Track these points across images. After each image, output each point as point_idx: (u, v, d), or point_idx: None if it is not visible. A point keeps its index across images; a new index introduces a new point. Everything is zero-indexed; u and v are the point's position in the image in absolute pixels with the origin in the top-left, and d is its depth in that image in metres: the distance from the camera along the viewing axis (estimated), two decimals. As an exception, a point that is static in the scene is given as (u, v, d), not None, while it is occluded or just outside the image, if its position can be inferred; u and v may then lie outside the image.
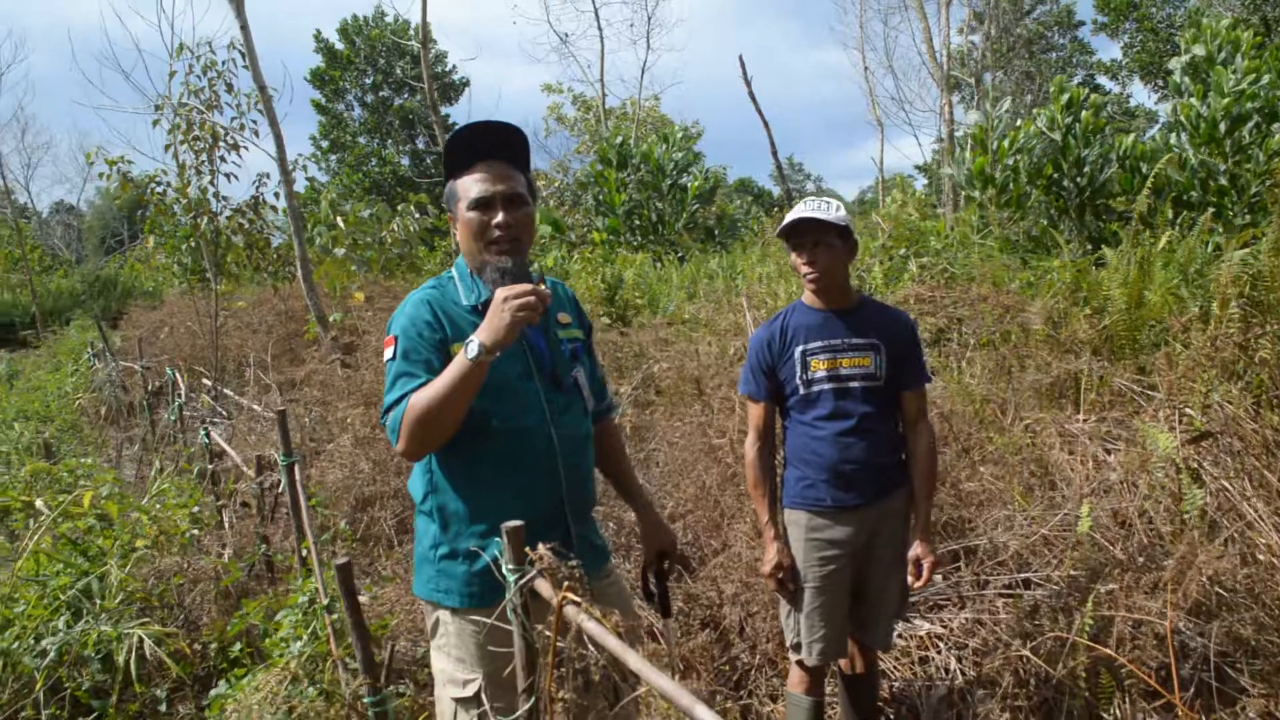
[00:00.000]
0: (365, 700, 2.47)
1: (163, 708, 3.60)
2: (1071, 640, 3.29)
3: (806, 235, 3.13)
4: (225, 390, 10.19)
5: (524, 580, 1.72)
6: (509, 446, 2.43)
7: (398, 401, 2.32)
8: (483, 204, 2.43)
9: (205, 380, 10.91)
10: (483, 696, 2.38)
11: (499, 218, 2.42)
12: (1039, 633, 3.52)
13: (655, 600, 2.91)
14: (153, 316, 18.84)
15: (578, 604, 1.60)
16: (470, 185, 2.45)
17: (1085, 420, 4.66)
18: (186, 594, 4.10)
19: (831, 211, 3.10)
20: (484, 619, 2.37)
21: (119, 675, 3.52)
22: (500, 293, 2.19)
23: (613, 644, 1.50)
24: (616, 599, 2.70)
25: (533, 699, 1.77)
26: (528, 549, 1.72)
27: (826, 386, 3.17)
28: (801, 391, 3.20)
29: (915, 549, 3.20)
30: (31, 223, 40.23)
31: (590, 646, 1.65)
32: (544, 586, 1.70)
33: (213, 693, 3.12)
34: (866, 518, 3.20)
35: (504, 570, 1.76)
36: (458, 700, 2.44)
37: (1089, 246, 8.91)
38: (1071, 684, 3.28)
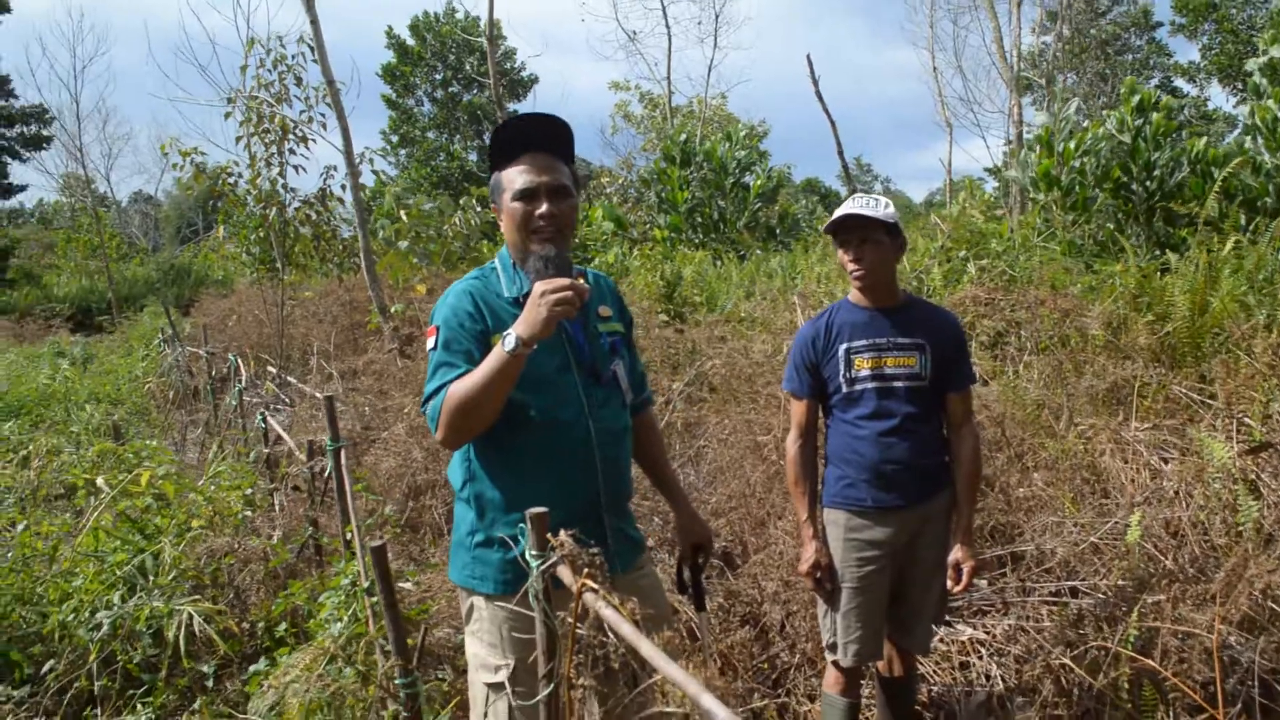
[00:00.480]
0: (397, 681, 2.51)
1: (210, 683, 3.69)
2: (1115, 650, 3.22)
3: (853, 232, 3.11)
4: (289, 378, 10.40)
5: (546, 566, 1.73)
6: (546, 438, 2.45)
7: (437, 391, 2.35)
8: (527, 195, 2.45)
9: (270, 368, 11.14)
10: (514, 681, 2.41)
11: (543, 208, 2.44)
12: (1082, 642, 3.46)
13: (690, 593, 2.92)
14: (223, 304, 19.26)
15: (595, 590, 1.61)
16: (515, 176, 2.48)
17: (1140, 428, 4.56)
18: (237, 574, 4.19)
19: (879, 209, 3.08)
20: (516, 606, 2.41)
21: (169, 650, 3.62)
22: (538, 286, 2.21)
23: (626, 631, 1.51)
24: (650, 591, 2.71)
25: (552, 685, 1.79)
26: (550, 536, 1.74)
27: (870, 385, 3.15)
28: (845, 390, 3.18)
29: (956, 553, 3.16)
30: (110, 211, 41.32)
31: (610, 634, 1.67)
32: (565, 573, 1.72)
33: (251, 669, 3.19)
34: (907, 519, 3.17)
35: (526, 556, 1.78)
36: (489, 685, 2.47)
37: (1156, 252, 8.71)
38: (1113, 695, 3.22)
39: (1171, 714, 3.18)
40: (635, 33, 45.50)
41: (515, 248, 2.54)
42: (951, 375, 3.20)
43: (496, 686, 2.46)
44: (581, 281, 2.26)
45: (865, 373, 3.15)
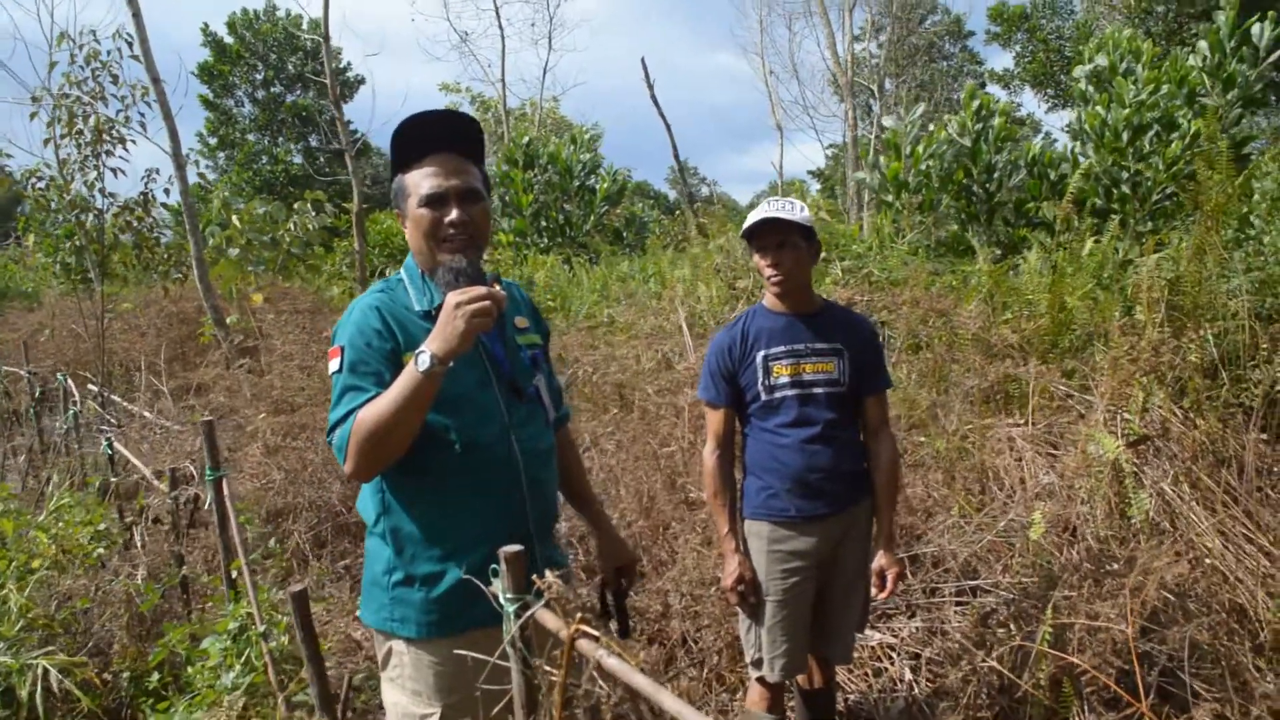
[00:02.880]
0: (323, 740, 2.27)
1: (72, 744, 3.31)
2: (1035, 649, 3.24)
3: (770, 236, 3.02)
4: (113, 397, 9.67)
5: (529, 613, 1.55)
6: (468, 462, 2.25)
7: (344, 418, 2.12)
8: (435, 200, 2.24)
9: (91, 386, 10.34)
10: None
11: (453, 214, 2.24)
12: (995, 641, 3.48)
13: (613, 619, 2.77)
14: (31, 318, 17.87)
15: (596, 638, 1.45)
16: (421, 180, 2.27)
17: (1024, 425, 4.67)
18: (95, 619, 3.78)
19: (796, 212, 3.00)
20: (445, 649, 2.21)
21: (23, 710, 3.22)
22: (451, 297, 2.00)
23: (641, 682, 1.36)
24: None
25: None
26: (534, 577, 1.56)
27: (790, 393, 3.07)
28: (764, 398, 3.09)
29: (879, 559, 3.12)
30: (-107, 219, 37.91)
31: (601, 684, 1.50)
32: (549, 619, 1.54)
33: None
34: (831, 528, 3.11)
35: (502, 600, 1.59)
36: (416, 736, 2.26)
37: (998, 251, 9.06)
38: (1032, 693, 3.24)
39: (1088, 708, 3.23)
40: (468, 33, 44.75)
41: (422, 256, 2.32)
42: (868, 379, 3.17)
43: (424, 738, 2.26)
44: (498, 289, 2.07)
45: (784, 379, 3.07)
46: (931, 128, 10.43)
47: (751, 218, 3.06)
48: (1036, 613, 3.43)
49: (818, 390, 3.08)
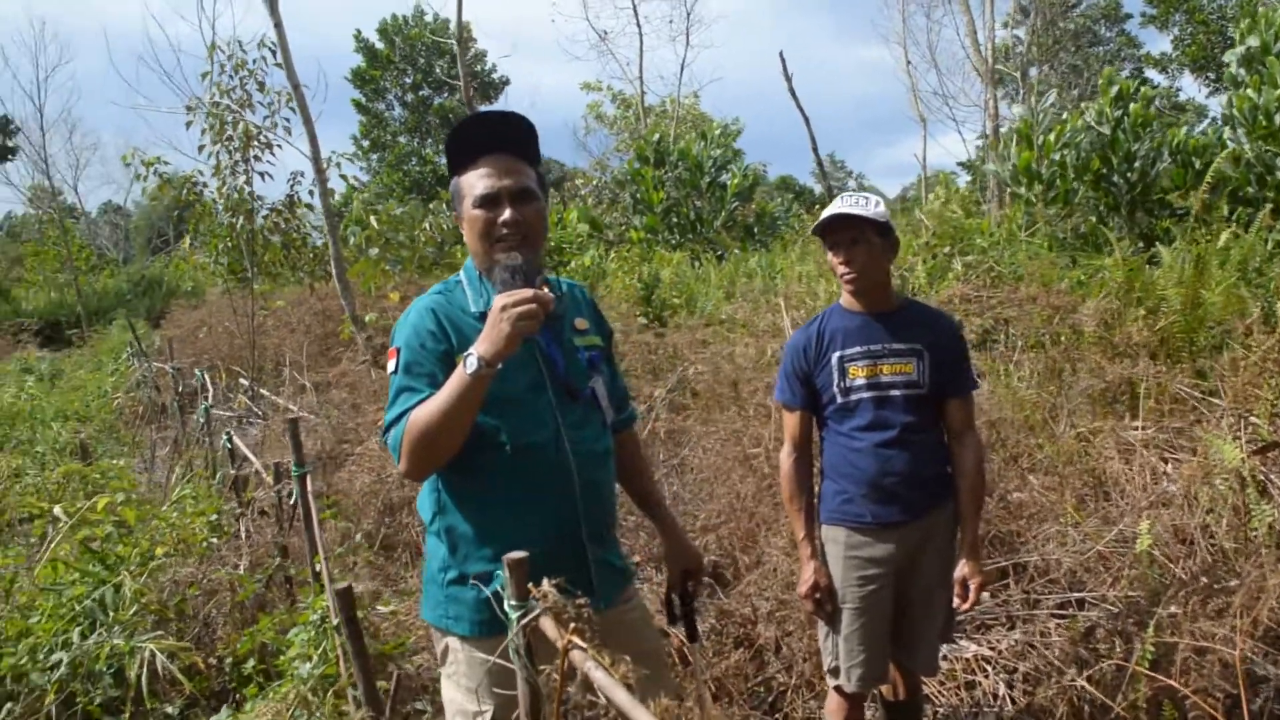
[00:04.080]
0: (367, 734, 2.33)
1: (175, 725, 3.49)
2: (1131, 668, 3.06)
3: (843, 233, 2.93)
4: (262, 390, 10.15)
5: (527, 620, 1.55)
6: (520, 464, 2.25)
7: (398, 418, 2.16)
8: (489, 201, 2.25)
9: (243, 380, 10.89)
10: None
11: (506, 214, 2.24)
12: (1095, 658, 3.30)
13: (680, 624, 2.74)
14: (193, 316, 18.93)
15: (583, 649, 1.43)
16: (475, 181, 2.28)
17: (1143, 428, 4.41)
18: (202, 606, 3.98)
19: (870, 207, 2.90)
20: (496, 648, 2.22)
21: (131, 690, 3.41)
22: (498, 300, 2.01)
23: (620, 698, 1.33)
24: (639, 624, 2.53)
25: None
26: (532, 584, 1.55)
27: (866, 395, 2.97)
28: (839, 400, 3.00)
29: (961, 568, 2.99)
30: (79, 223, 40.71)
31: (601, 695, 1.48)
32: (548, 626, 1.54)
33: (213, 720, 3.00)
34: (909, 534, 3.00)
35: (506, 607, 1.59)
36: (469, 733, 2.29)
37: (1140, 244, 8.60)
38: (1131, 716, 3.06)
39: (1192, 734, 3.03)
40: (606, 32, 45.10)
41: (479, 257, 2.34)
42: (951, 381, 3.03)
43: (476, 734, 2.28)
44: (546, 291, 2.07)
45: (860, 382, 2.98)
46: (1066, 116, 9.95)
47: (824, 213, 2.98)
48: (1139, 630, 3.24)
49: (895, 392, 2.98)
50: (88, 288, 28.23)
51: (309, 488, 3.23)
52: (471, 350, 2.01)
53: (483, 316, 2.25)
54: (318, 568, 3.31)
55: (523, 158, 2.34)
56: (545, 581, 1.54)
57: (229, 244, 13.10)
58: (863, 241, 2.91)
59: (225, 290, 16.77)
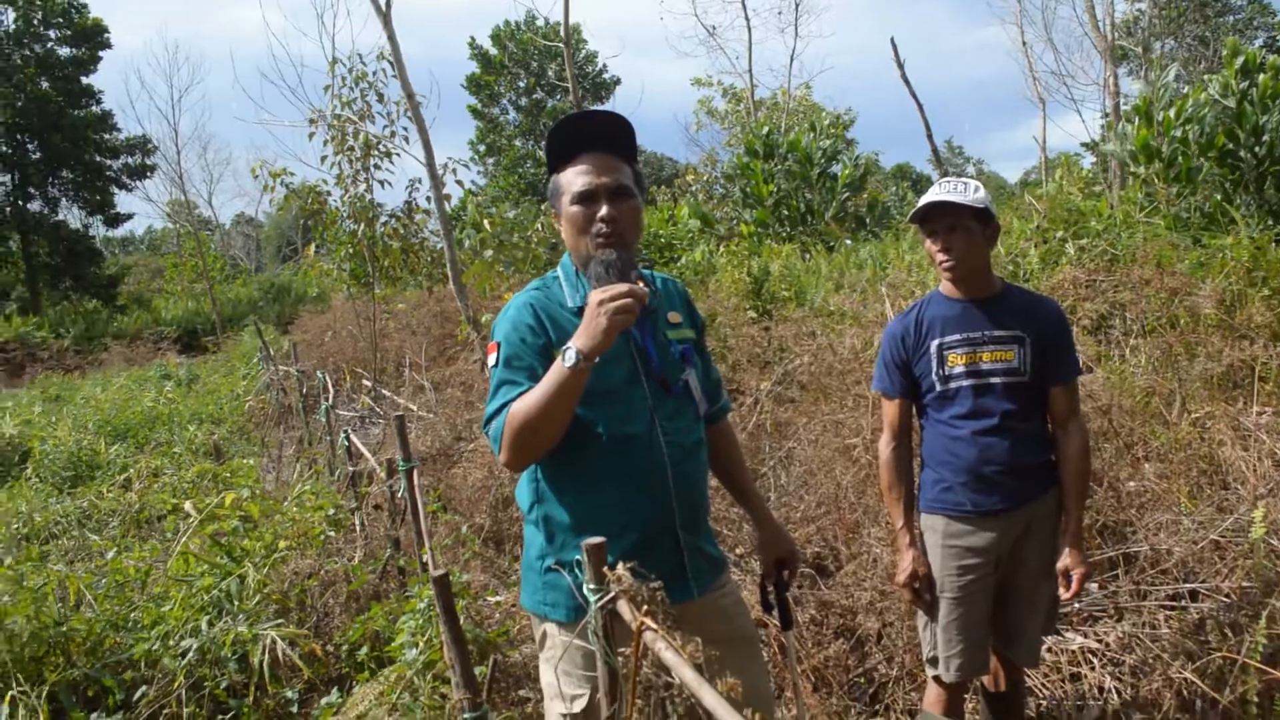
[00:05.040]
0: (466, 716, 2.41)
1: (294, 708, 3.66)
2: (1240, 661, 2.95)
3: (941, 220, 2.91)
4: (384, 390, 10.48)
5: (603, 601, 1.60)
6: (615, 454, 2.32)
7: (499, 410, 2.24)
8: (586, 197, 2.32)
9: (365, 381, 11.26)
10: (591, 712, 2.28)
11: (603, 211, 2.30)
12: (1205, 651, 3.19)
13: (775, 612, 2.75)
14: (320, 320, 19.62)
15: (655, 630, 1.47)
16: (573, 178, 2.34)
17: (1262, 414, 4.22)
18: (319, 596, 4.16)
19: (968, 193, 2.87)
20: (581, 640, 2.28)
21: (254, 675, 3.59)
22: (594, 295, 2.08)
23: (688, 677, 1.37)
24: (732, 610, 2.55)
25: (618, 726, 1.65)
26: (606, 569, 1.60)
27: (965, 383, 2.95)
28: (938, 388, 2.99)
29: (1065, 558, 2.94)
30: (214, 234, 42.60)
31: (673, 676, 1.52)
32: (625, 609, 1.58)
33: (324, 700, 3.13)
34: (1010, 524, 2.96)
35: (585, 590, 1.64)
36: (565, 716, 2.35)
37: (1269, 222, 8.17)
38: (1240, 711, 2.95)
39: (1310, 729, 2.91)
40: (714, 27, 45.00)
41: (576, 253, 2.40)
42: (1054, 367, 2.98)
43: (572, 717, 2.34)
44: (641, 285, 2.11)
45: (960, 369, 2.95)
46: (1188, 90, 9.50)
47: (922, 201, 2.95)
48: (1251, 622, 3.11)
49: (995, 380, 2.95)
50: (222, 296, 29.60)
51: (416, 482, 3.34)
52: (569, 344, 2.08)
53: (580, 311, 2.32)
54: (425, 558, 3.43)
55: (620, 155, 2.39)
56: (620, 565, 1.58)
57: (351, 250, 13.51)
58: (960, 228, 2.89)
59: (349, 295, 17.36)
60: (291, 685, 3.69)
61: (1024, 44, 27.39)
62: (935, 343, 2.99)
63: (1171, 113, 9.23)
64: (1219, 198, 8.78)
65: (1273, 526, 3.52)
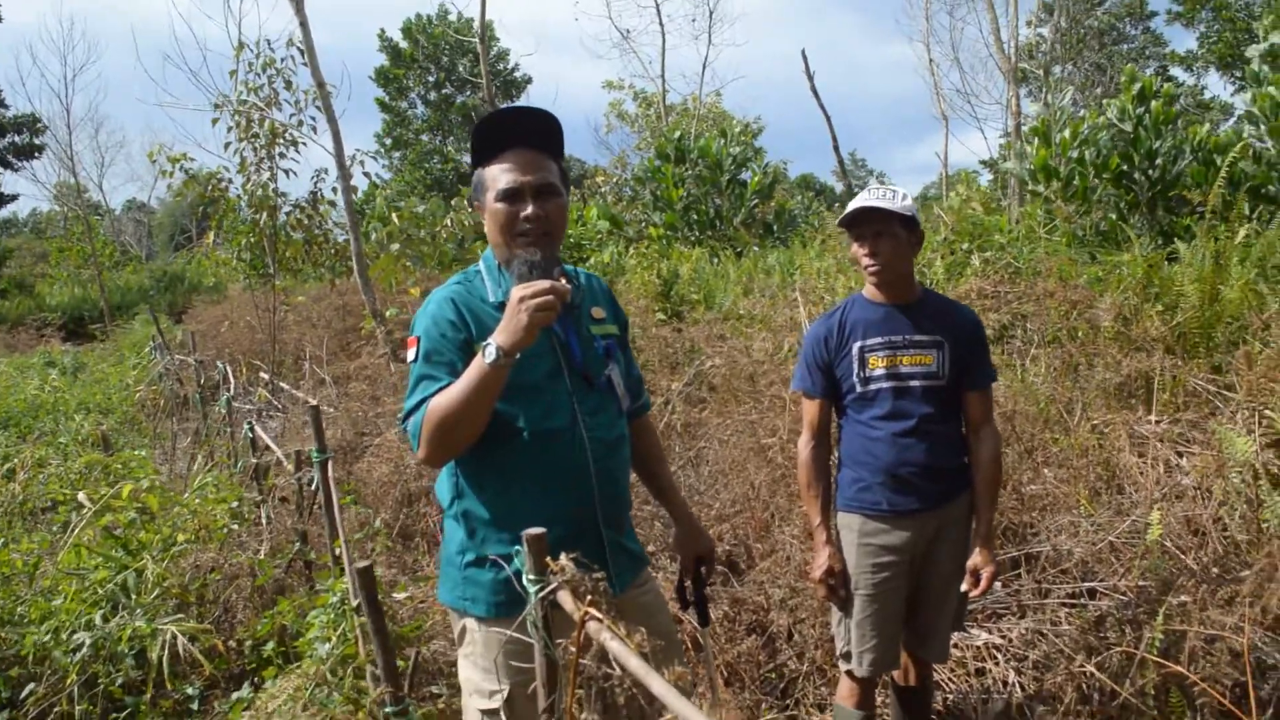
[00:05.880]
0: (388, 710, 2.36)
1: (195, 705, 3.54)
2: (1140, 655, 3.07)
3: (869, 225, 2.97)
4: (282, 384, 10.24)
5: (545, 592, 1.58)
6: (537, 450, 2.30)
7: (418, 406, 2.21)
8: (511, 195, 2.29)
9: (263, 374, 10.99)
10: (510, 708, 2.27)
11: (528, 209, 2.28)
12: (1104, 646, 3.32)
13: (693, 609, 2.77)
14: (215, 311, 19.12)
15: (600, 620, 1.46)
16: (498, 175, 2.32)
17: (1157, 422, 4.42)
18: (223, 590, 4.04)
19: (896, 200, 2.94)
20: (513, 631, 2.26)
21: (153, 672, 3.47)
22: (515, 292, 2.05)
23: (634, 665, 1.37)
24: (653, 608, 2.56)
25: (555, 718, 1.64)
26: (549, 559, 1.59)
27: (885, 385, 3.01)
28: (859, 390, 3.04)
29: (975, 557, 3.03)
30: (104, 219, 41.06)
31: (616, 666, 1.52)
32: (566, 600, 1.57)
33: (235, 695, 3.04)
34: (925, 523, 3.03)
35: (524, 581, 1.63)
36: (484, 712, 2.33)
37: (1160, 241, 8.55)
38: (1139, 702, 3.07)
39: (1200, 720, 3.05)
40: (629, 31, 45.28)
41: (499, 249, 2.38)
42: (970, 373, 3.07)
43: (491, 713, 2.32)
44: (563, 283, 2.10)
45: (880, 372, 3.02)
46: (1084, 113, 9.89)
47: (851, 206, 3.01)
48: (1149, 619, 3.25)
49: (914, 383, 3.01)
50: (111, 283, 28.52)
51: (330, 473, 3.27)
52: (490, 340, 2.06)
53: (501, 306, 2.29)
54: (338, 551, 3.36)
55: (546, 152, 2.38)
56: (563, 556, 1.57)
57: (252, 240, 13.17)
58: (888, 234, 2.95)
59: (248, 286, 16.94)
60: (192, 682, 3.57)
61: (930, 62, 28.18)
62: (857, 345, 3.05)
63: (1068, 134, 9.59)
64: (1114, 217, 9.15)
65: (1168, 529, 3.68)
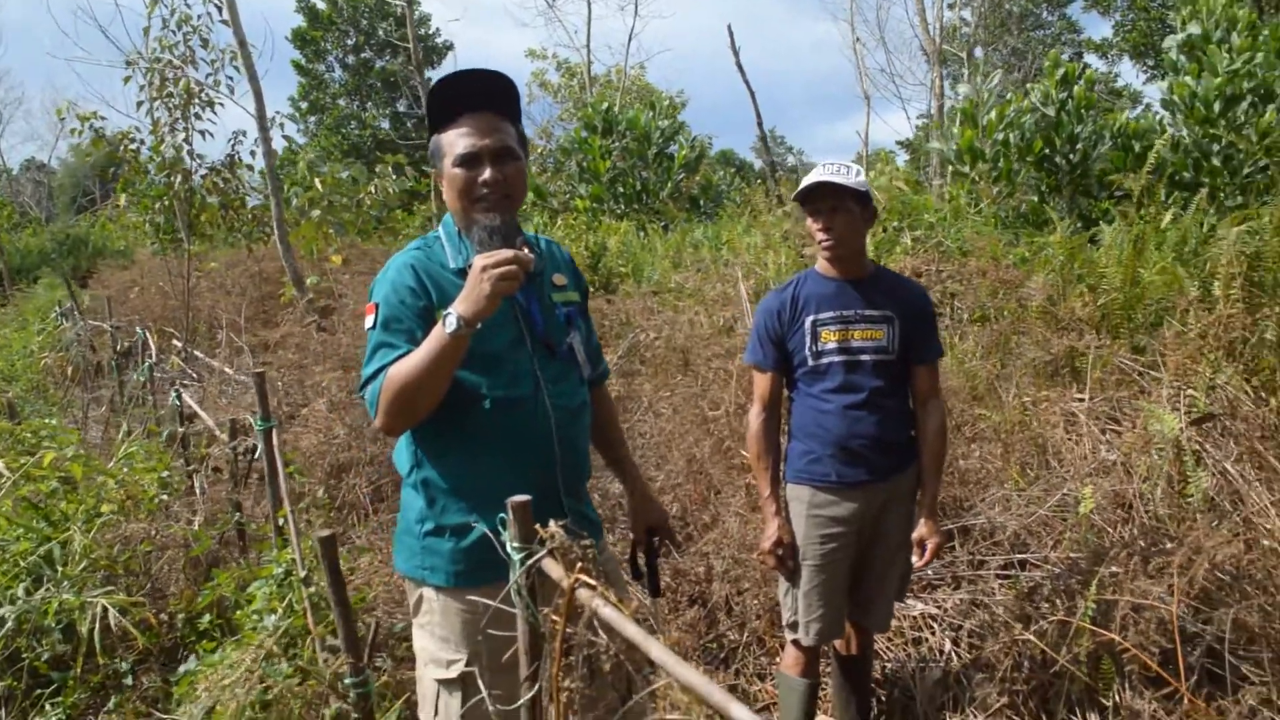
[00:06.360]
0: (347, 681, 2.32)
1: (128, 680, 3.44)
2: (1075, 625, 3.17)
3: (824, 200, 2.99)
4: (196, 352, 9.97)
5: (532, 560, 1.56)
6: (500, 418, 2.27)
7: (376, 374, 2.17)
8: (469, 160, 2.25)
9: (176, 342, 10.67)
10: (468, 678, 2.25)
11: (487, 174, 2.24)
12: (1038, 615, 3.42)
13: (644, 579, 2.77)
14: (123, 276, 18.49)
15: (593, 588, 1.45)
16: (456, 140, 2.27)
17: (1086, 400, 4.55)
18: (154, 562, 3.92)
19: (850, 176, 2.96)
20: (472, 598, 2.23)
21: (82, 645, 3.35)
22: (478, 260, 2.02)
23: (632, 631, 1.37)
24: (613, 575, 2.57)
25: (536, 687, 1.62)
26: (537, 526, 1.57)
27: (836, 359, 3.05)
28: (810, 363, 3.07)
29: (920, 528, 3.10)
30: (1, 180, 39.39)
31: (601, 634, 1.51)
32: (553, 567, 1.55)
33: (182, 669, 2.95)
34: (873, 495, 3.08)
35: (509, 549, 1.60)
36: (441, 681, 2.31)
37: (1079, 224, 8.79)
38: (1072, 669, 3.17)
39: (1129, 686, 3.16)
40: (555, -1, 44.69)
41: (458, 215, 2.34)
42: (919, 348, 3.13)
43: (449, 683, 2.30)
44: (526, 251, 2.07)
45: (832, 345, 3.05)
46: (1010, 96, 10.11)
47: (806, 181, 3.02)
48: (1081, 589, 3.36)
49: (865, 357, 3.05)
50: (9, 246, 27.36)
51: (275, 442, 3.19)
52: (451, 310, 2.02)
53: (462, 273, 2.26)
54: (281, 522, 3.29)
55: (503, 115, 2.34)
56: (552, 523, 1.55)
57: (165, 203, 12.76)
58: (842, 210, 2.98)
59: (159, 250, 16.41)
60: (123, 656, 3.46)
61: (856, 40, 28.49)
62: (810, 319, 3.08)
63: (994, 116, 9.78)
64: (1035, 199, 9.37)
65: (1096, 504, 3.79)
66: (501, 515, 1.62)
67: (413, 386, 2.09)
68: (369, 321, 2.27)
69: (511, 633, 1.70)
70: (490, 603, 1.78)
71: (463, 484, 2.30)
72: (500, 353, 2.28)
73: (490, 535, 1.82)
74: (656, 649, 1.31)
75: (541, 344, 2.36)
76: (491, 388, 2.25)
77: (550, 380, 2.35)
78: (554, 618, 1.56)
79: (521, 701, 1.63)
